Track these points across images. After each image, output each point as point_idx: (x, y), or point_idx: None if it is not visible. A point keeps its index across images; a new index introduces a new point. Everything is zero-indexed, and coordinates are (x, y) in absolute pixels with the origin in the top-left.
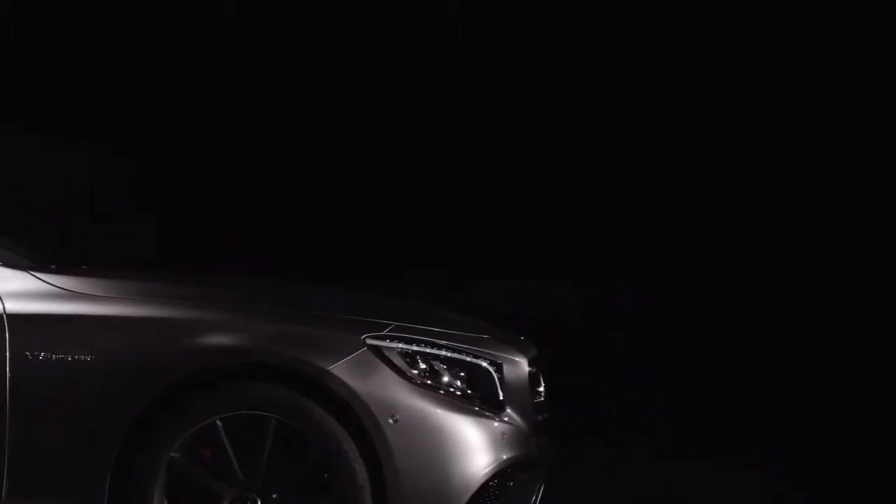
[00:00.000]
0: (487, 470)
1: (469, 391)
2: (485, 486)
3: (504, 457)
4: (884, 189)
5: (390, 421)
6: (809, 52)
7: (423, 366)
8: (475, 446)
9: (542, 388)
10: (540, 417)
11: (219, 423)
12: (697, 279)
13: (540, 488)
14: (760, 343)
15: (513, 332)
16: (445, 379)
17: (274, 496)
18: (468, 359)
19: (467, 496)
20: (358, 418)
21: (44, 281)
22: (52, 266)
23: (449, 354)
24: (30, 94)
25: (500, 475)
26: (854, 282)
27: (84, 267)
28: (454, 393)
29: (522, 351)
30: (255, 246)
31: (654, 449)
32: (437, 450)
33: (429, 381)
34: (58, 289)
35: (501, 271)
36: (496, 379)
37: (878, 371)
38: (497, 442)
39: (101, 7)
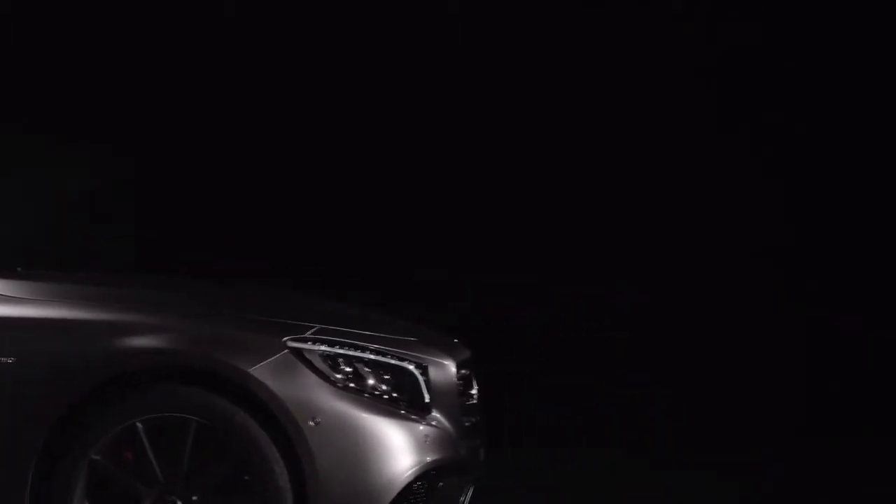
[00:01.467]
0: (410, 472)
1: (395, 394)
2: (408, 488)
3: (428, 459)
4: (886, 189)
5: (311, 423)
6: (809, 51)
7: (346, 368)
8: (398, 448)
9: (474, 391)
10: (472, 420)
11: (139, 425)
12: (692, 280)
13: (469, 491)
14: (753, 345)
15: (446, 334)
16: (370, 381)
17: (194, 498)
18: (393, 361)
19: (389, 498)
20: (278, 421)
21: None
22: None
23: (373, 357)
24: (29, 94)
25: (426, 477)
26: (857, 283)
27: (19, 269)
28: (378, 395)
29: (450, 354)
30: (254, 246)
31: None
32: (358, 452)
33: (352, 384)
34: None
35: (503, 270)
36: (422, 381)
37: (875, 374)
38: (421, 444)
39: (101, 6)
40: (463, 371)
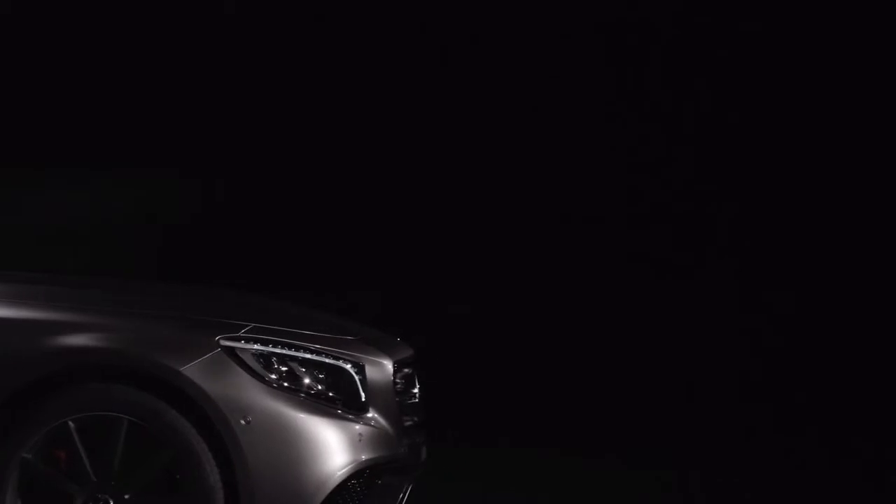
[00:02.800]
0: (344, 471)
1: (330, 393)
2: (342, 487)
3: (363, 457)
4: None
5: (242, 422)
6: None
7: (280, 367)
8: (331, 447)
9: (416, 390)
10: (414, 419)
11: (71, 423)
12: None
13: (407, 489)
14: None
15: (389, 333)
16: (305, 381)
17: (126, 497)
18: (327, 360)
19: (322, 496)
20: (209, 420)
21: None
22: None
23: (306, 356)
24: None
25: (361, 476)
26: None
27: None
28: (313, 395)
29: (388, 352)
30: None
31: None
32: (290, 451)
33: (286, 383)
34: None
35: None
36: (357, 380)
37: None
38: (355, 443)
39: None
40: (406, 370)
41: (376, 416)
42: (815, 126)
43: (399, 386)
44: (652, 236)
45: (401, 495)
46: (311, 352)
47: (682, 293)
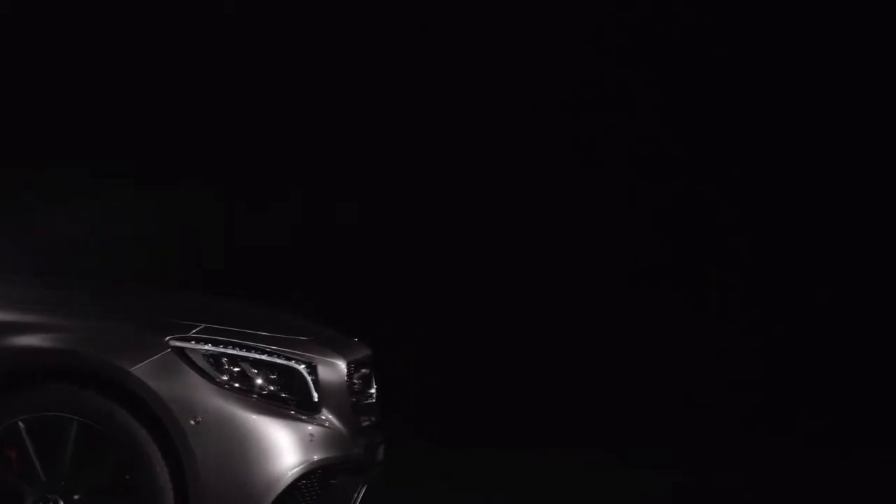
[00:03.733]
0: (295, 471)
1: (283, 394)
2: (294, 486)
3: (315, 458)
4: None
5: (192, 423)
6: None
7: (231, 368)
8: (282, 448)
9: (373, 391)
10: (371, 419)
11: (21, 424)
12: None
13: (361, 489)
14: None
15: (346, 334)
16: (257, 381)
17: (76, 497)
18: (279, 361)
19: (272, 496)
20: (159, 420)
21: None
22: None
23: (257, 356)
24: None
25: (313, 475)
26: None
27: None
28: (265, 395)
29: (342, 353)
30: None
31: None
32: (240, 451)
33: (237, 384)
34: None
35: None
36: (310, 381)
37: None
38: (306, 443)
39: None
40: (364, 370)
41: (330, 416)
42: (811, 130)
43: (357, 386)
44: (651, 242)
45: (355, 495)
46: (263, 352)
47: (681, 294)
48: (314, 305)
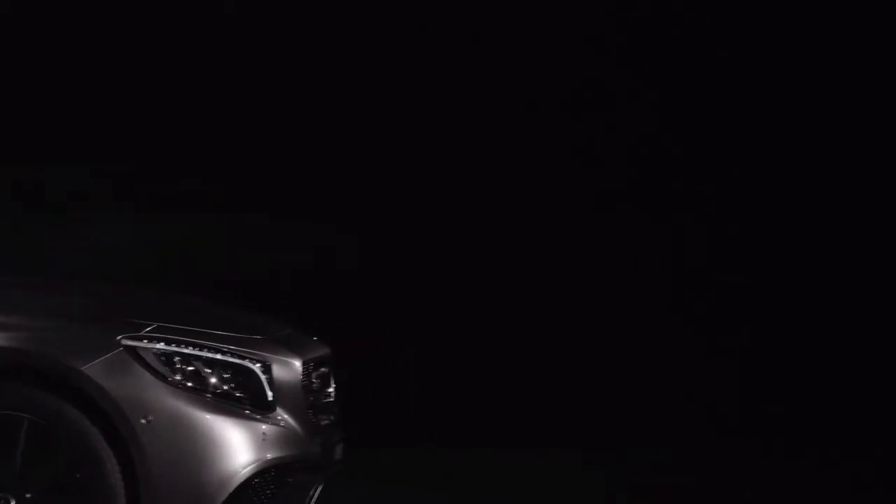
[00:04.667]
0: (248, 469)
1: (238, 393)
2: (246, 485)
3: (269, 456)
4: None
5: (143, 422)
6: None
7: (183, 367)
8: (234, 447)
9: (331, 390)
10: (329, 418)
11: None
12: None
13: (318, 488)
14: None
15: (305, 332)
16: (209, 380)
17: (28, 496)
18: (232, 360)
19: (224, 494)
20: (110, 419)
21: None
22: None
23: (210, 355)
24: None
25: (266, 474)
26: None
27: None
28: (218, 394)
29: (297, 352)
30: None
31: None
32: (192, 450)
33: (189, 383)
34: None
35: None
36: (264, 380)
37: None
38: (259, 442)
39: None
40: (322, 369)
41: (285, 415)
42: (810, 131)
43: (315, 385)
44: (650, 243)
45: (311, 492)
46: (216, 351)
47: (680, 294)
48: (312, 305)
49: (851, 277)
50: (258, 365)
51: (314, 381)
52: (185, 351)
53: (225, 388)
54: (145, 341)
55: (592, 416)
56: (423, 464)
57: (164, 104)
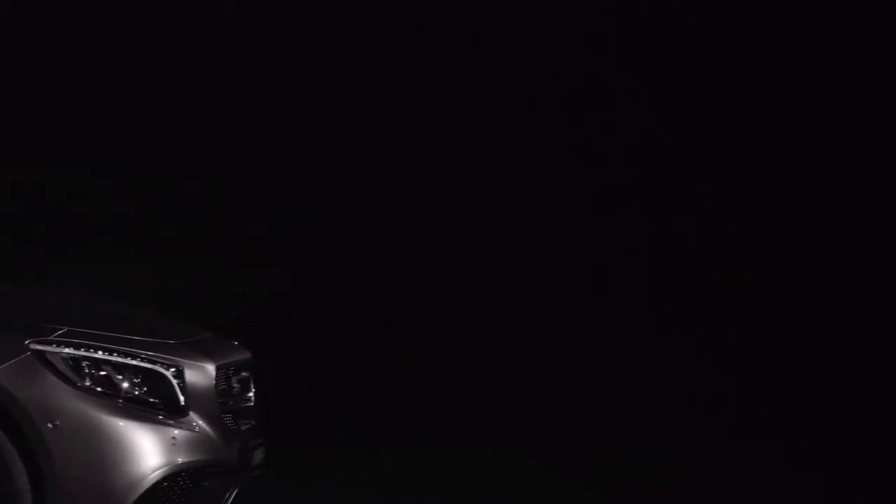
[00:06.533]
0: (156, 473)
1: (150, 398)
2: (155, 489)
3: (180, 460)
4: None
5: (49, 426)
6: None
7: (92, 371)
8: (143, 451)
9: (251, 394)
10: (251, 422)
11: None
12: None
13: (233, 492)
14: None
15: (224, 337)
16: (122, 385)
17: None
18: (143, 364)
19: (132, 498)
20: (17, 423)
21: None
22: None
23: (120, 360)
24: None
25: (176, 478)
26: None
27: None
28: (129, 398)
29: (211, 356)
30: None
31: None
32: (99, 454)
33: (99, 387)
34: None
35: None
36: (175, 384)
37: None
38: (168, 446)
39: None
40: (243, 374)
41: (198, 419)
42: (811, 130)
43: (235, 389)
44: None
45: (227, 496)
46: (126, 356)
47: (680, 294)
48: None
49: (851, 277)
50: (171, 370)
51: (234, 385)
52: (95, 356)
53: (136, 392)
54: (54, 346)
55: (593, 417)
56: (423, 463)
57: (163, 104)
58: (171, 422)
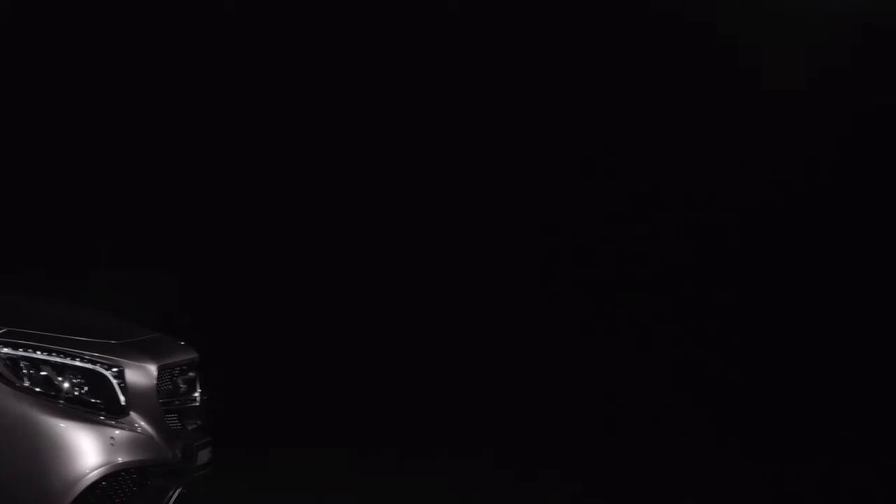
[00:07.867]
0: (94, 473)
1: (92, 399)
2: (93, 489)
3: (119, 460)
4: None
5: None
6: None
7: (31, 372)
8: (81, 451)
9: (197, 394)
10: (197, 422)
11: None
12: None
13: (176, 491)
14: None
15: (172, 337)
16: (60, 385)
17: None
18: (82, 364)
19: (70, 498)
20: None
21: None
22: None
23: (60, 360)
24: None
25: (118, 477)
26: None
27: None
28: (68, 399)
29: (154, 356)
30: None
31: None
32: (36, 454)
33: (38, 388)
34: None
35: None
36: (115, 384)
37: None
38: (107, 446)
39: None
40: (190, 374)
41: (139, 419)
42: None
43: (181, 389)
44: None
45: (170, 495)
46: (66, 356)
47: (679, 295)
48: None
49: (851, 277)
50: (111, 370)
51: (180, 385)
52: (34, 356)
53: (76, 393)
54: None
55: (593, 416)
56: (423, 465)
57: (162, 104)
58: (112, 422)
